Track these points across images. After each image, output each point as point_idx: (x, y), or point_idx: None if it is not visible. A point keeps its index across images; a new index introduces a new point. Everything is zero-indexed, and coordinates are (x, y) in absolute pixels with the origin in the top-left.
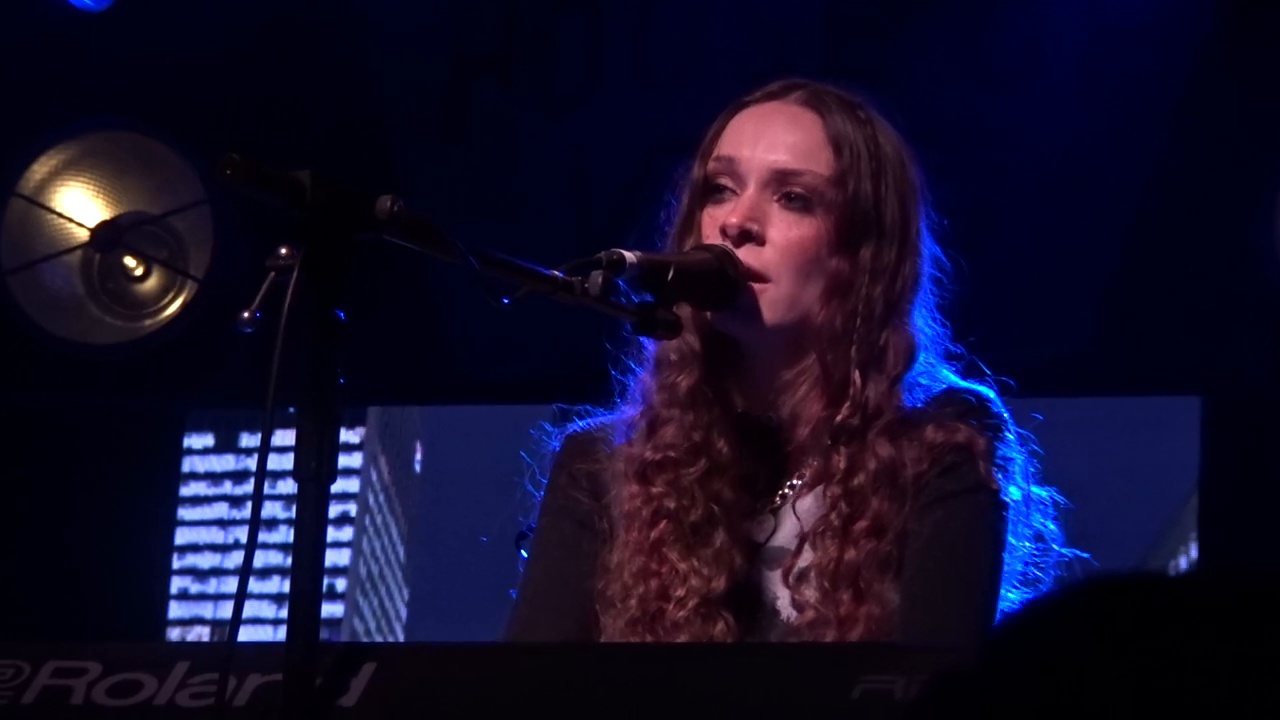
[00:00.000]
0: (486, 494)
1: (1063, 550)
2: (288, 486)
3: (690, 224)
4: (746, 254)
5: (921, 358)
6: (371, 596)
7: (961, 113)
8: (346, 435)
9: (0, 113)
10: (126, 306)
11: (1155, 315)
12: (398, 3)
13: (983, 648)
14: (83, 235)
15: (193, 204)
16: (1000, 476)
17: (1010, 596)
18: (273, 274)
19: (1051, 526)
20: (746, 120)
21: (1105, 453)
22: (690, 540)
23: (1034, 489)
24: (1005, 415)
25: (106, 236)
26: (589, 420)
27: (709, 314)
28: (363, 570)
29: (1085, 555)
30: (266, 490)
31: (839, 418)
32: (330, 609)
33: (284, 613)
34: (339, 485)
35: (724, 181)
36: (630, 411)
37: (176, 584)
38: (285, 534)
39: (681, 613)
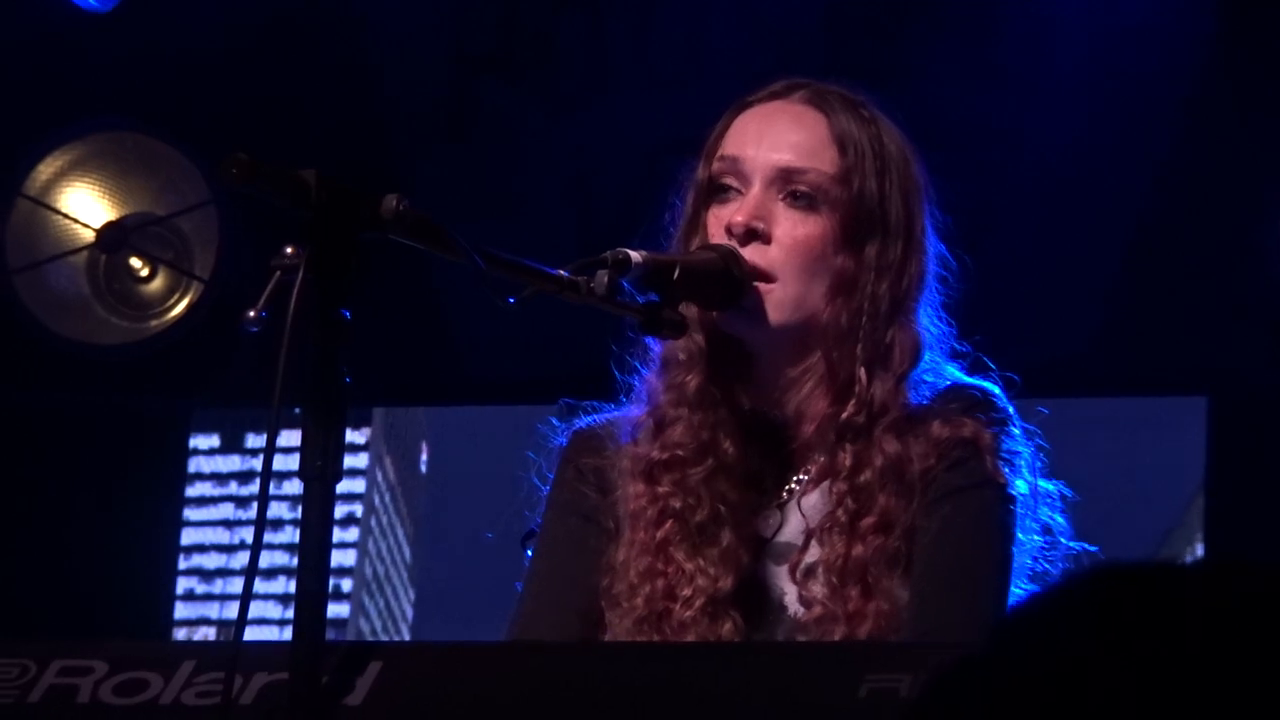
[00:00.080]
0: (492, 494)
1: (1071, 544)
2: (293, 487)
3: (695, 224)
4: (752, 253)
5: (927, 355)
6: (377, 597)
7: (964, 113)
8: (352, 435)
9: (5, 113)
10: (132, 307)
11: (1160, 315)
12: (399, 2)
13: (988, 637)
14: (88, 236)
15: (198, 205)
16: (1007, 470)
17: (1019, 590)
18: (278, 274)
19: (1059, 520)
20: (750, 120)
21: (1110, 454)
22: (696, 540)
23: (1041, 482)
24: (1010, 409)
25: (112, 237)
26: (596, 416)
27: (715, 313)
28: (368, 571)
29: (1093, 549)
30: (272, 490)
31: (845, 415)
32: (336, 610)
33: (290, 613)
34: (344, 486)
35: (729, 181)
36: (635, 411)
37: (182, 584)
38: (291, 534)
39: (689, 612)
